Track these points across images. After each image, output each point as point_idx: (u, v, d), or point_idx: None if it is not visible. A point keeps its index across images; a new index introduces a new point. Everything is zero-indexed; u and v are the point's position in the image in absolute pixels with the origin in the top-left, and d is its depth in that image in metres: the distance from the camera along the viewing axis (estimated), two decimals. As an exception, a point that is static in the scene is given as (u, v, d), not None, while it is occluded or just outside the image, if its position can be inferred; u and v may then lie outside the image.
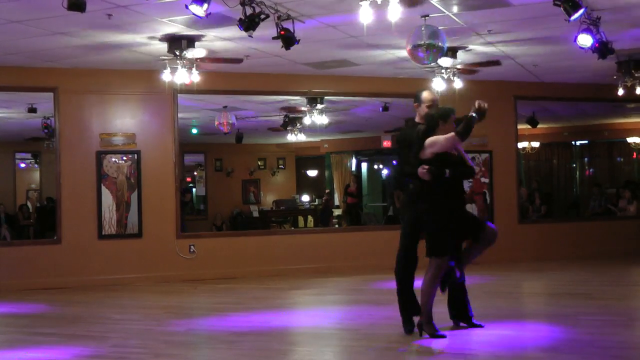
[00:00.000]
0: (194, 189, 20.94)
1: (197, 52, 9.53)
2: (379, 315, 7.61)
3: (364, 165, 21.72)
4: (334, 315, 8.12)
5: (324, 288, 10.31)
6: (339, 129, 17.79)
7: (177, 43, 9.23)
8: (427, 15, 8.29)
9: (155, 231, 11.20)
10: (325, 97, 13.00)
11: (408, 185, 6.55)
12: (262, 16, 7.36)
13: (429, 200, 6.20)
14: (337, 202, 20.80)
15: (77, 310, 9.03)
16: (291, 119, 15.56)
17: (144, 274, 11.06)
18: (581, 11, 7.33)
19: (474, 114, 6.12)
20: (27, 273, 10.69)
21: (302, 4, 7.74)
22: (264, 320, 7.69)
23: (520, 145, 17.26)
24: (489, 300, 8.26)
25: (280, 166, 22.14)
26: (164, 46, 9.40)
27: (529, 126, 15.97)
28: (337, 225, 18.08)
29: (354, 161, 21.40)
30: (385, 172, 21.62)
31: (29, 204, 18.01)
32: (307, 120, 14.29)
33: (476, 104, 6.15)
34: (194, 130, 17.13)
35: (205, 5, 7.00)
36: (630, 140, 18.53)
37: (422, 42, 8.33)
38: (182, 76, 9.61)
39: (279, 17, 7.68)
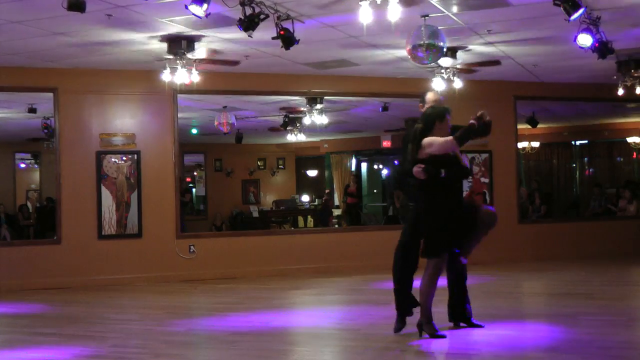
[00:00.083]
0: (193, 189, 20.95)
1: (197, 52, 9.53)
2: (379, 315, 7.61)
3: (364, 165, 21.72)
4: (334, 315, 8.12)
5: (323, 288, 10.31)
6: (338, 129, 17.79)
7: (177, 43, 9.23)
8: (427, 15, 8.29)
9: (155, 231, 11.20)
10: (325, 97, 13.00)
11: (408, 185, 6.55)
12: (262, 16, 7.36)
13: (425, 200, 6.21)
14: (337, 202, 20.80)
15: (77, 310, 9.04)
16: (291, 119, 15.56)
17: (143, 274, 11.06)
18: (581, 11, 7.33)
19: (474, 122, 6.09)
20: (27, 273, 10.69)
21: (301, 4, 7.74)
22: (264, 320, 7.69)
23: (520, 145, 17.26)
24: (489, 300, 8.26)
25: (280, 166, 22.14)
26: (163, 46, 9.40)
27: (529, 126, 15.97)
28: (336, 226, 18.08)
29: (353, 161, 21.40)
30: (385, 172, 21.62)
31: (29, 204, 18.00)
32: (307, 120, 14.30)
33: (478, 113, 6.12)
34: (194, 131, 17.13)
35: (205, 6, 7.00)
36: (630, 140, 18.52)
37: (422, 42, 8.33)
38: (182, 76, 9.62)
39: (278, 17, 7.68)
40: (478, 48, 10.14)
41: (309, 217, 20.21)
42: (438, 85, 10.19)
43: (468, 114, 10.47)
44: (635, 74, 10.82)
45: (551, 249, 12.85)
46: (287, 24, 7.78)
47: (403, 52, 9.35)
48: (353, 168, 21.32)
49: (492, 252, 11.65)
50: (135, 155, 11.22)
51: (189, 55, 9.45)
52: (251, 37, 7.74)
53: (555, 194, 19.15)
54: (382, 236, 12.32)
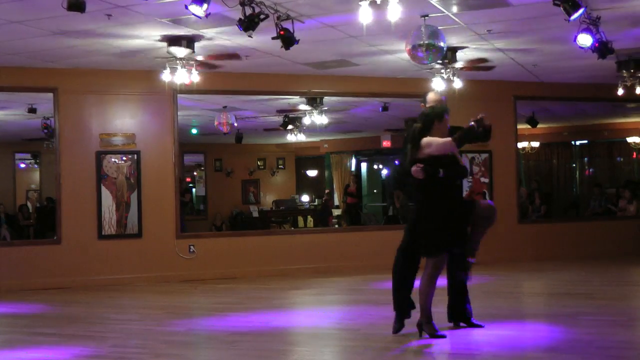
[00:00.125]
0: (193, 189, 20.94)
1: (196, 52, 9.53)
2: (379, 315, 7.60)
3: (364, 165, 21.72)
4: (334, 316, 8.12)
5: (323, 288, 10.31)
6: (338, 129, 17.79)
7: (177, 43, 9.23)
8: (427, 15, 8.28)
9: (155, 231, 11.20)
10: (325, 97, 13.01)
11: (408, 185, 6.54)
12: (262, 16, 7.36)
13: (424, 200, 6.21)
14: (336, 202, 20.80)
15: (77, 310, 9.03)
16: (291, 119, 15.57)
17: (143, 274, 11.06)
18: (581, 11, 7.33)
19: (473, 124, 6.08)
20: (27, 273, 10.69)
21: (301, 4, 7.74)
22: (263, 320, 7.69)
23: (520, 145, 17.27)
24: (489, 300, 8.26)
25: (280, 166, 22.14)
26: (163, 46, 9.40)
27: (529, 126, 15.97)
28: (336, 225, 18.09)
29: (353, 161, 21.40)
30: (385, 172, 21.62)
31: (28, 204, 18.01)
32: (306, 120, 14.30)
33: (478, 115, 6.11)
34: (194, 131, 17.13)
35: (205, 6, 7.00)
36: (630, 140, 18.52)
37: (422, 42, 8.33)
38: (181, 76, 9.62)
39: (278, 17, 7.68)
40: (478, 48, 10.14)
41: (308, 217, 20.21)
42: (438, 85, 10.19)
43: (468, 114, 10.46)
44: (636, 74, 10.82)
45: (551, 249, 12.85)
46: (287, 24, 7.78)
47: (403, 52, 9.34)
48: (353, 168, 21.32)
49: (492, 252, 11.64)
50: (135, 155, 11.22)
51: (189, 56, 9.45)
52: (251, 37, 7.74)
53: (555, 194, 19.15)
54: (382, 236, 12.34)
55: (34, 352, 6.43)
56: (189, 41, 9.24)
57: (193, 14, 7.13)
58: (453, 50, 9.94)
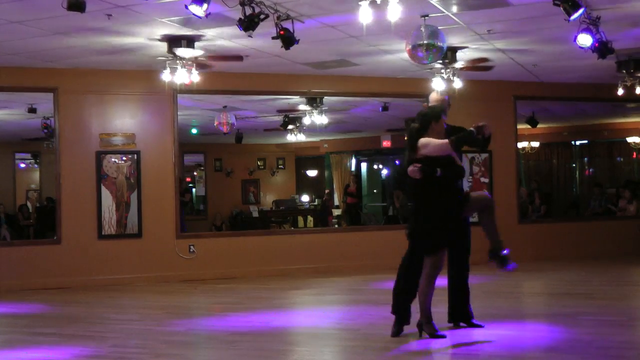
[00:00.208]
0: (193, 189, 20.94)
1: (196, 52, 9.53)
2: (378, 315, 7.60)
3: (364, 165, 21.72)
4: (334, 315, 8.11)
5: (323, 288, 10.31)
6: (338, 129, 17.79)
7: (177, 43, 9.23)
8: (427, 15, 8.28)
9: (155, 231, 11.20)
10: (325, 97, 13.01)
11: (408, 185, 6.52)
12: (262, 16, 7.36)
13: (422, 199, 6.20)
14: (336, 202, 20.80)
15: (77, 310, 9.03)
16: (291, 119, 15.57)
17: (143, 274, 11.06)
18: (581, 11, 7.33)
19: (473, 130, 6.09)
20: (27, 273, 10.69)
21: (301, 4, 7.74)
22: (263, 320, 7.69)
23: (520, 145, 17.27)
24: (489, 300, 8.26)
25: (280, 166, 22.14)
26: (163, 46, 9.40)
27: (529, 126, 15.97)
28: (336, 225, 18.09)
29: (353, 161, 21.40)
30: (385, 172, 21.62)
31: (28, 204, 18.01)
32: (306, 120, 14.30)
33: (480, 123, 6.11)
34: (194, 130, 17.13)
35: (205, 5, 7.00)
36: (630, 140, 18.53)
37: (422, 42, 8.33)
38: (181, 76, 9.62)
39: (278, 17, 7.68)
40: (478, 48, 10.14)
41: (308, 217, 20.22)
42: (438, 85, 10.18)
43: (468, 114, 10.51)
44: (636, 74, 10.82)
45: (551, 249, 12.85)
46: (287, 24, 7.78)
47: (403, 52, 9.34)
48: (353, 168, 21.32)
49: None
50: (135, 155, 11.22)
51: (189, 56, 9.45)
52: (251, 37, 7.74)
53: (555, 194, 19.15)
54: (382, 236, 12.36)
55: (34, 352, 6.43)
56: (189, 41, 9.24)
57: (193, 14, 7.13)
58: (453, 50, 9.94)
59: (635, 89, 11.11)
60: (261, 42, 9.01)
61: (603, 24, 8.35)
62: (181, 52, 9.29)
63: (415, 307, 6.36)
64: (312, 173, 22.72)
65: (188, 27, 8.69)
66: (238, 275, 11.35)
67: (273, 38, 7.82)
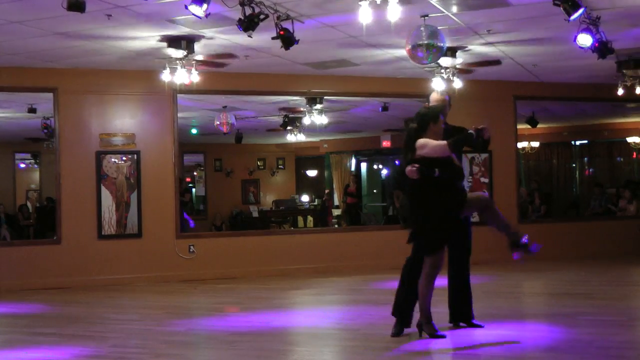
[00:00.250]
0: (193, 189, 20.94)
1: (196, 52, 9.53)
2: (378, 315, 7.60)
3: (364, 165, 21.72)
4: (333, 316, 8.11)
5: (323, 288, 10.31)
6: (338, 129, 17.79)
7: (177, 43, 9.23)
8: (427, 15, 8.28)
9: (154, 231, 11.20)
10: (325, 97, 13.01)
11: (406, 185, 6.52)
12: (262, 16, 7.36)
13: (420, 199, 6.20)
14: (336, 202, 20.81)
15: (77, 310, 9.03)
16: (291, 119, 15.57)
17: (143, 274, 11.06)
18: (581, 11, 7.33)
19: (473, 132, 6.08)
20: (27, 273, 10.69)
21: (301, 4, 7.74)
22: (263, 320, 7.69)
23: (520, 145, 17.27)
24: (489, 300, 8.26)
25: (279, 166, 22.14)
26: (163, 46, 9.40)
27: (529, 126, 15.97)
28: (336, 225, 18.09)
29: (353, 161, 21.40)
30: (384, 172, 21.62)
31: (28, 204, 18.02)
32: (306, 120, 14.30)
33: (480, 125, 6.10)
34: (194, 131, 17.14)
35: (205, 6, 7.00)
36: (630, 140, 18.53)
37: (422, 42, 8.33)
38: (181, 76, 9.62)
39: (278, 17, 7.68)
40: (478, 48, 10.14)
41: (308, 217, 20.22)
42: (438, 85, 10.19)
43: (468, 114, 10.51)
44: (636, 74, 10.82)
45: (551, 249, 12.76)
46: (286, 24, 7.78)
47: (403, 52, 9.34)
48: (353, 168, 21.32)
49: (492, 252, 11.64)
50: (135, 155, 11.22)
51: (189, 55, 9.45)
52: (251, 37, 7.74)
53: (555, 194, 19.15)
54: (382, 236, 12.37)
55: (34, 352, 6.43)
56: (188, 41, 9.24)
57: (193, 14, 7.13)
58: (453, 50, 9.94)
59: (635, 89, 11.11)
60: (261, 42, 9.01)
61: (603, 24, 8.35)
62: (179, 52, 9.29)
63: (415, 308, 6.35)
64: (312, 173, 22.72)
65: (188, 27, 8.69)
66: (238, 275, 11.35)
67: (273, 38, 7.83)
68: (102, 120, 11.17)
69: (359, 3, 7.00)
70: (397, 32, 8.57)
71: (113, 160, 11.13)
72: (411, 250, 6.46)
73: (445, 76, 10.29)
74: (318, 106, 13.34)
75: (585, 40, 8.25)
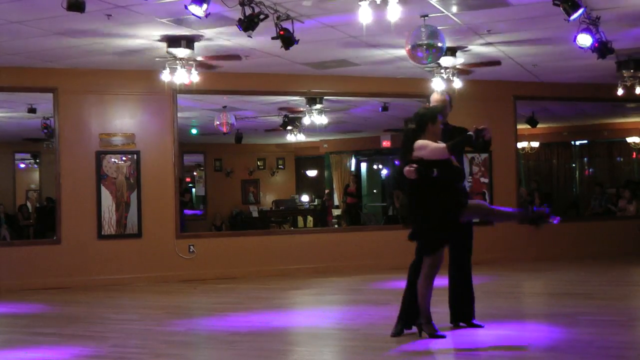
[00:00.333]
0: (193, 189, 20.95)
1: (196, 52, 9.53)
2: (378, 315, 7.61)
3: (364, 165, 21.72)
4: (333, 315, 8.11)
5: (323, 288, 10.31)
6: (338, 129, 17.79)
7: (177, 43, 9.23)
8: (427, 15, 8.29)
9: (154, 231, 11.20)
10: (325, 97, 13.01)
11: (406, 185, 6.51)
12: (262, 16, 7.36)
13: (419, 199, 6.20)
14: (336, 202, 20.81)
15: (76, 310, 9.03)
16: (291, 119, 15.57)
17: (143, 274, 11.06)
18: (581, 11, 7.33)
19: (472, 134, 6.08)
20: (27, 273, 10.68)
21: (301, 4, 7.74)
22: (263, 320, 7.68)
23: (520, 145, 17.26)
24: (489, 300, 8.25)
25: (279, 166, 22.14)
26: (163, 46, 9.40)
27: (529, 126, 15.98)
28: (336, 225, 18.09)
29: (353, 161, 21.40)
30: (384, 172, 21.62)
31: (28, 204, 18.01)
32: (306, 120, 14.30)
33: (480, 126, 6.09)
34: (194, 131, 17.14)
35: (205, 6, 7.00)
36: (629, 140, 18.53)
37: (422, 42, 8.33)
38: (181, 76, 9.62)
39: (278, 17, 7.69)
40: (478, 48, 10.14)
41: (308, 217, 20.22)
42: (438, 85, 10.19)
43: (468, 114, 10.51)
44: (635, 75, 10.82)
45: (551, 249, 12.84)
46: (286, 24, 7.78)
47: (403, 52, 9.34)
48: (353, 168, 21.32)
49: (492, 252, 11.67)
50: (135, 155, 11.22)
51: (189, 55, 9.45)
52: (251, 37, 7.74)
53: (555, 194, 19.14)
54: (382, 236, 12.37)
55: (34, 352, 6.43)
56: (188, 41, 9.24)
57: (193, 14, 7.13)
58: (453, 50, 9.94)
59: (635, 89, 11.11)
60: (261, 42, 9.01)
61: (603, 24, 8.35)
62: (179, 52, 9.29)
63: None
64: (312, 173, 22.72)
65: (188, 27, 8.69)
66: (238, 275, 11.35)
67: (273, 38, 7.83)
68: (102, 120, 11.17)
69: (359, 3, 7.01)
70: (397, 32, 8.58)
71: (113, 160, 11.13)
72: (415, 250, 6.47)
73: (445, 76, 10.29)
74: (318, 106, 13.35)
75: (585, 40, 8.25)
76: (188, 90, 10.64)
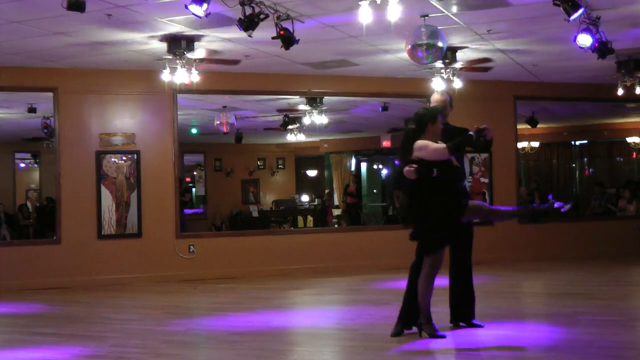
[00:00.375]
0: (193, 189, 20.95)
1: (196, 52, 9.53)
2: (378, 315, 7.61)
3: (364, 165, 21.72)
4: (333, 315, 8.11)
5: (323, 288, 10.31)
6: (338, 129, 17.80)
7: (177, 43, 9.23)
8: (427, 15, 8.29)
9: (154, 231, 11.20)
10: (325, 97, 13.01)
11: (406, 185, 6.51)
12: (262, 16, 7.36)
13: (419, 199, 6.20)
14: (336, 202, 20.81)
15: (76, 310, 9.03)
16: (291, 119, 15.57)
17: (143, 273, 11.06)
18: (581, 11, 7.33)
19: (472, 134, 6.08)
20: (27, 273, 10.69)
21: (301, 4, 7.74)
22: (263, 320, 7.68)
23: (520, 145, 17.27)
24: (489, 300, 8.25)
25: (279, 166, 22.14)
26: (163, 46, 9.40)
27: (529, 126, 15.98)
28: (336, 225, 18.09)
29: (353, 161, 21.40)
30: (384, 172, 21.63)
31: (28, 204, 18.02)
32: (306, 120, 14.30)
33: (481, 126, 6.09)
34: (194, 130, 17.14)
35: (205, 5, 7.01)
36: (629, 140, 18.53)
37: (422, 42, 8.33)
38: (181, 76, 9.62)
39: (278, 17, 7.69)
40: (478, 48, 10.14)
41: (308, 217, 20.22)
42: (438, 85, 10.19)
43: (468, 114, 10.51)
44: (636, 74, 10.82)
45: (551, 249, 12.85)
46: (286, 24, 7.78)
47: (403, 52, 9.35)
48: (353, 168, 21.32)
49: (492, 252, 11.67)
50: (135, 155, 11.22)
51: (189, 55, 9.46)
52: (251, 37, 7.74)
53: (555, 194, 19.12)
54: (382, 236, 12.37)
55: (34, 352, 6.43)
56: (188, 41, 9.24)
57: (193, 14, 7.13)
58: (453, 50, 9.94)
59: (635, 89, 11.12)
60: (261, 42, 9.01)
61: (603, 24, 8.35)
62: (180, 52, 9.29)
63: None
64: (312, 173, 22.72)
65: (188, 27, 8.69)
66: (238, 275, 11.35)
67: (273, 38, 7.83)
68: (102, 120, 11.17)
69: (359, 3, 7.01)
70: (397, 32, 8.58)
71: (113, 160, 11.13)
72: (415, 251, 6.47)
73: (445, 76, 10.29)
74: (318, 106, 13.34)
75: (585, 40, 8.25)
76: (188, 90, 10.64)
